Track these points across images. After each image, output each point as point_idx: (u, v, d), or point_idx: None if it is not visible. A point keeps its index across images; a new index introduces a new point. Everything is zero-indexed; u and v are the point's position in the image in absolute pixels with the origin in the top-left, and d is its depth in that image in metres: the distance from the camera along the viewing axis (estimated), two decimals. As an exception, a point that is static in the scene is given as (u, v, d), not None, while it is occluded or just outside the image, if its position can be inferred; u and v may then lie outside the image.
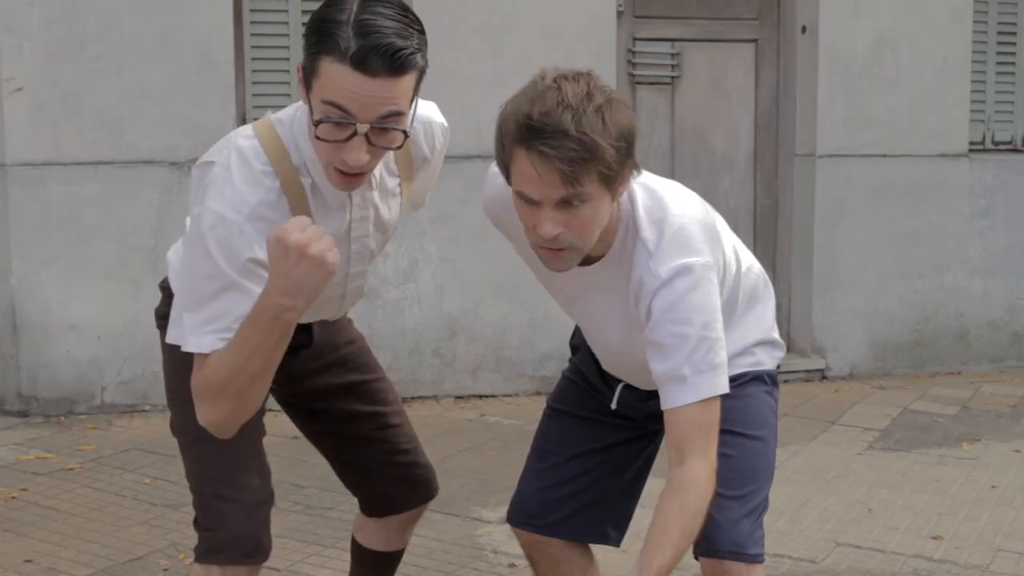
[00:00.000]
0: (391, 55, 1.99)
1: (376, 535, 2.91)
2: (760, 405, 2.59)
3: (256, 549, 2.40)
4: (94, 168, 5.70)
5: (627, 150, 2.08)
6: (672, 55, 6.76)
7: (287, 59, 6.00)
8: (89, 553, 4.06)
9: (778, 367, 2.68)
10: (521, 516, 2.72)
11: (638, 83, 6.71)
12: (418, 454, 2.93)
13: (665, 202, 2.28)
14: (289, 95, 6.06)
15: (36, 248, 5.70)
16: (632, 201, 2.26)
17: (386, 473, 2.83)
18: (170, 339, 2.25)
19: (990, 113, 7.59)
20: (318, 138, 2.03)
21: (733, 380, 2.40)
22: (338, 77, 1.97)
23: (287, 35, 6.12)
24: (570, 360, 2.91)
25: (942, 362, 7.34)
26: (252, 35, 6.04)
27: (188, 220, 2.25)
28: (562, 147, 1.99)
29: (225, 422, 2.13)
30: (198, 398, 2.12)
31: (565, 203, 2.06)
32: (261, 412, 2.43)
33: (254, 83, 6.04)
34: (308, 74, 2.03)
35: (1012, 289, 7.49)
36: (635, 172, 2.17)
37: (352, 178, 2.11)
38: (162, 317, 2.48)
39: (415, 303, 6.28)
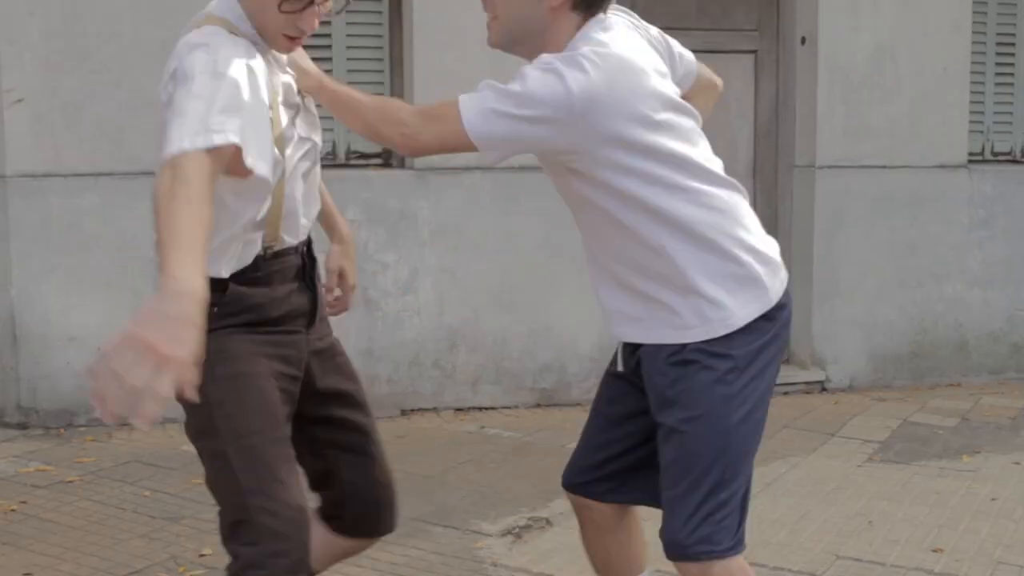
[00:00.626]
0: None
1: (323, 556, 2.76)
2: (693, 385, 2.53)
3: (299, 565, 2.40)
4: (94, 179, 5.70)
5: None
6: (672, 66, 6.76)
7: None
8: (88, 566, 4.05)
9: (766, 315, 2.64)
10: (567, 479, 2.92)
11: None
12: (394, 482, 2.91)
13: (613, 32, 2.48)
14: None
15: (36, 259, 5.70)
16: (586, 29, 2.49)
17: (367, 492, 2.81)
18: (166, 155, 2.13)
19: (989, 124, 7.60)
20: (282, 11, 2.40)
21: (669, 362, 2.54)
22: None
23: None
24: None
25: (942, 373, 7.34)
26: (252, 46, 6.04)
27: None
28: None
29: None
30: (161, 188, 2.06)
31: None
32: (288, 434, 2.52)
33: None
34: None
35: (1011, 300, 7.49)
36: None
37: (297, 42, 2.53)
38: None
39: (415, 314, 6.28)
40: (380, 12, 6.30)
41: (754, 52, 7.08)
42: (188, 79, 2.25)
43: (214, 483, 2.47)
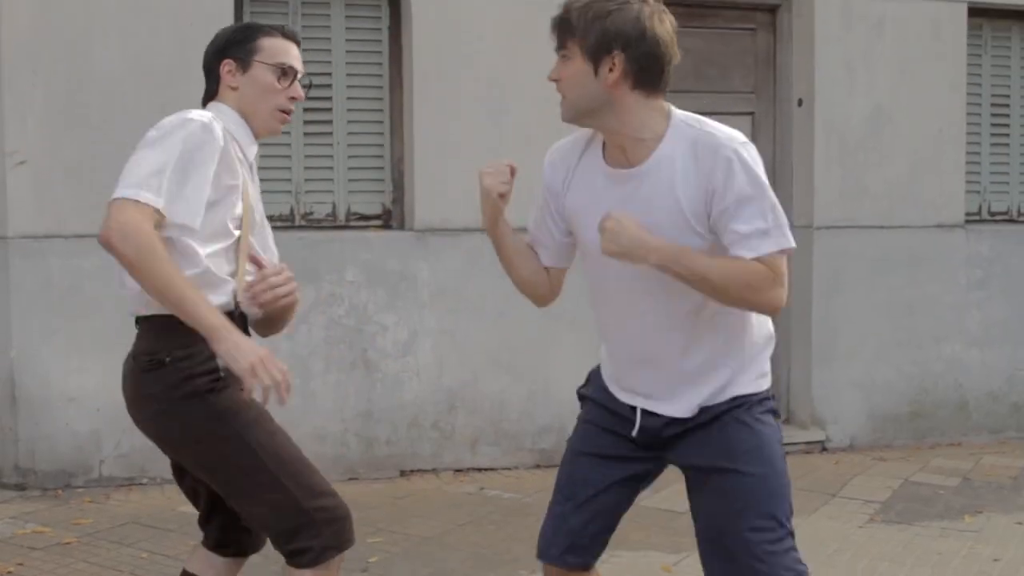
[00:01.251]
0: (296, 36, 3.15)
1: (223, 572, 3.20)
2: (764, 434, 2.82)
3: (351, 530, 3.02)
4: (94, 240, 5.68)
5: (606, 39, 2.64)
6: (669, 128, 6.81)
7: (288, 132, 6.06)
8: (85, 629, 4.02)
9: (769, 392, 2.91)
10: (548, 552, 2.96)
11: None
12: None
13: (713, 123, 2.72)
14: (289, 179, 6.11)
15: (36, 320, 5.71)
16: (683, 116, 2.73)
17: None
18: (115, 195, 2.76)
19: (986, 184, 7.65)
20: (279, 86, 3.03)
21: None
22: (279, 46, 3.05)
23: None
24: (583, 405, 3.08)
25: (942, 433, 7.32)
26: (253, 109, 6.09)
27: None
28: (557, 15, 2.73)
29: (116, 242, 2.73)
30: (114, 234, 2.71)
31: (560, 55, 2.73)
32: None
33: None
34: (248, 54, 3.01)
35: (1011, 360, 7.49)
36: (624, 65, 2.65)
37: (288, 116, 3.09)
38: (159, 361, 2.85)
39: (414, 376, 6.28)
40: (380, 76, 6.37)
41: (751, 114, 7.14)
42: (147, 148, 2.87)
43: (270, 507, 2.90)
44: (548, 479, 6.13)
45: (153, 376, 2.86)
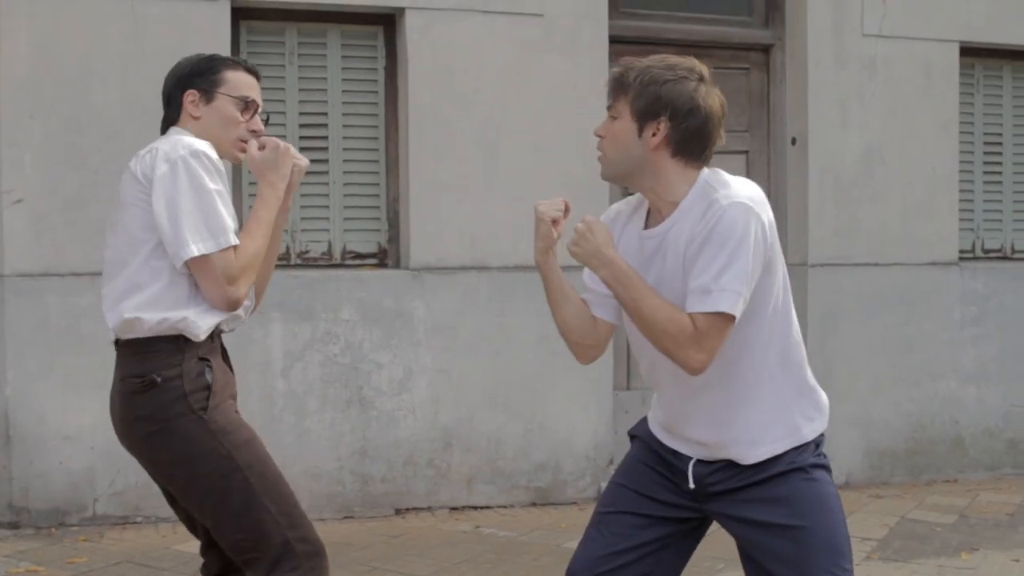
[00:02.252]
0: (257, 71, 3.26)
1: None
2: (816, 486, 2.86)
3: (327, 568, 3.00)
4: (91, 279, 5.73)
5: (656, 105, 2.74)
6: (664, 166, 6.85)
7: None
8: (78, 669, 3.99)
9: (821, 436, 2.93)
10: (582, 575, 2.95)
11: (630, 194, 6.79)
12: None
13: (735, 181, 2.78)
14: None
15: (32, 358, 5.71)
16: (707, 175, 2.79)
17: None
18: (197, 252, 2.86)
19: (979, 221, 7.69)
20: (242, 118, 3.12)
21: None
22: (242, 79, 3.15)
23: (285, 139, 6.21)
24: (632, 443, 3.11)
25: (938, 470, 7.32)
26: (250, 148, 6.12)
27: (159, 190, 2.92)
28: (614, 71, 2.84)
29: (246, 292, 2.97)
30: (239, 280, 2.92)
31: (609, 111, 2.83)
32: None
33: (251, 195, 6.11)
34: (212, 86, 3.12)
35: (1006, 396, 7.50)
36: (668, 132, 2.74)
37: (247, 147, 3.14)
38: (151, 381, 2.90)
39: (409, 414, 6.28)
40: (376, 115, 6.40)
41: (745, 152, 7.18)
42: (186, 191, 2.93)
43: (253, 532, 2.90)
44: (544, 517, 6.15)
45: (145, 397, 2.89)
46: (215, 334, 3.00)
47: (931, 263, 7.30)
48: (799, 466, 2.82)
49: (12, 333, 5.69)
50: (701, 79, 2.79)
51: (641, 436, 3.06)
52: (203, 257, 2.88)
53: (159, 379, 2.87)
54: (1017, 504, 6.64)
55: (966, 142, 7.55)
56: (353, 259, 6.38)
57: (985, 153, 7.68)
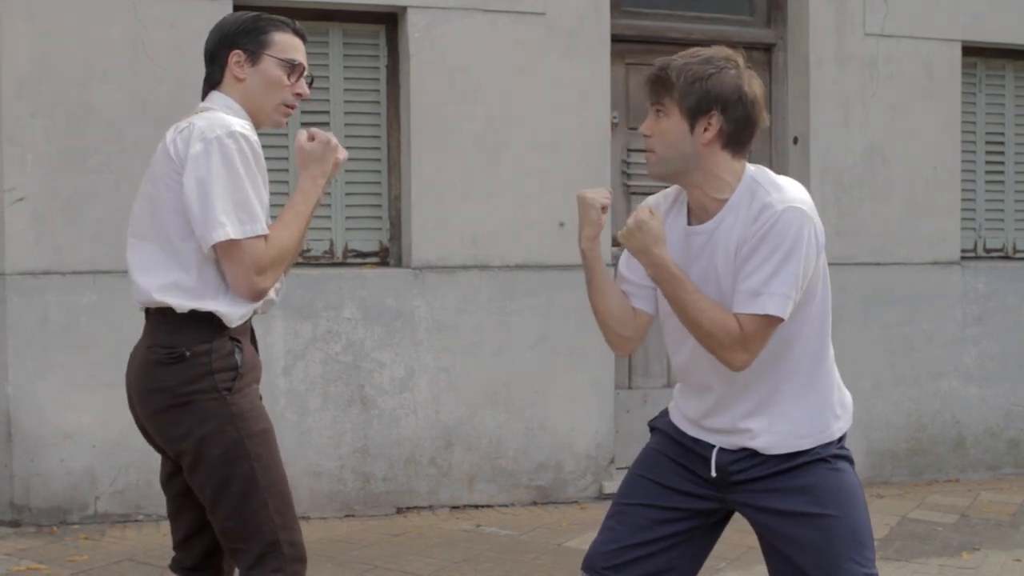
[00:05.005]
0: (302, 31, 3.14)
1: None
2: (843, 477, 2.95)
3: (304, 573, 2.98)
4: (92, 277, 5.74)
5: (707, 100, 2.76)
6: (666, 165, 6.85)
7: (286, 170, 6.08)
8: (79, 668, 3.99)
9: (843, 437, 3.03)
10: (598, 562, 2.96)
11: (633, 193, 6.80)
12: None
13: (785, 182, 2.82)
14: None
15: (33, 357, 5.71)
16: (755, 172, 2.83)
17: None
18: (225, 236, 2.79)
19: (981, 221, 7.68)
20: (289, 81, 3.03)
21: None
22: (289, 42, 3.04)
23: (286, 146, 6.21)
24: (653, 435, 3.12)
25: (939, 470, 7.32)
26: (252, 147, 6.12)
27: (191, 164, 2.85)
28: (653, 70, 2.84)
29: (272, 284, 2.93)
30: (268, 271, 2.87)
31: (655, 110, 2.83)
32: None
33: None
34: (259, 47, 3.00)
35: (1008, 396, 7.50)
36: (721, 125, 2.77)
37: (292, 111, 3.10)
38: (179, 355, 2.87)
39: (411, 412, 6.28)
40: (378, 114, 6.40)
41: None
42: (221, 174, 2.84)
43: (247, 523, 2.89)
44: (545, 516, 6.15)
45: (171, 370, 2.86)
46: (245, 324, 2.97)
47: (933, 262, 7.30)
48: (822, 456, 2.87)
49: (13, 332, 5.69)
50: (738, 66, 2.85)
51: (662, 427, 3.06)
52: (231, 242, 2.82)
53: (188, 353, 2.84)
54: (1018, 504, 6.64)
55: (968, 141, 7.54)
56: (355, 257, 6.38)
57: (987, 152, 7.68)
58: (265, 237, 2.86)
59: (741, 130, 2.81)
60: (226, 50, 3.02)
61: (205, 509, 2.99)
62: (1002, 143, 7.72)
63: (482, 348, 6.38)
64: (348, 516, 6.15)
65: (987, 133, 7.67)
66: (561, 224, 6.30)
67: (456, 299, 6.34)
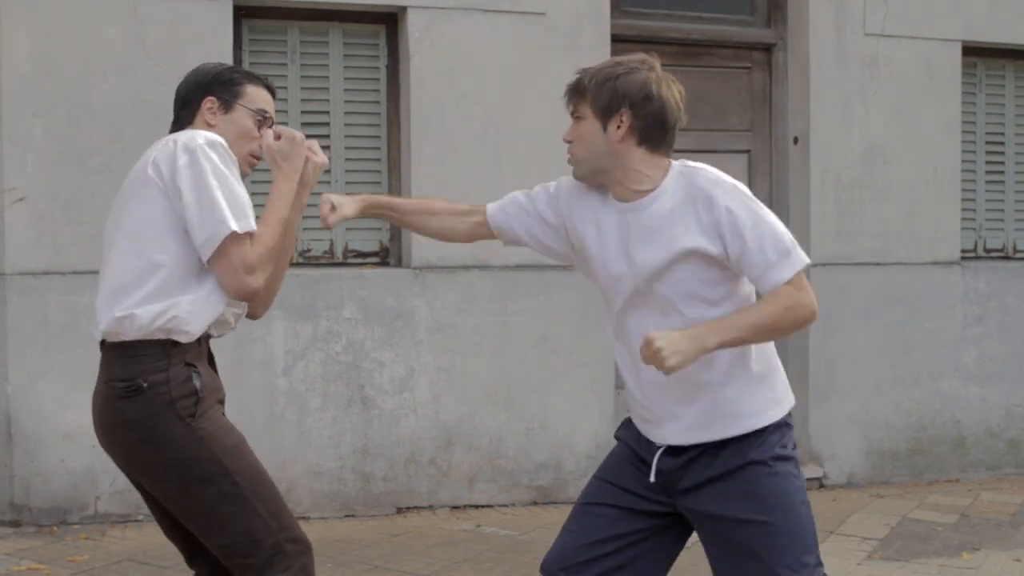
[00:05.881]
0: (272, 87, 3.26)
1: None
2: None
3: (313, 567, 3.00)
4: (92, 277, 5.68)
5: (615, 99, 2.88)
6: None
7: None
8: (79, 667, 3.99)
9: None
10: (553, 565, 3.01)
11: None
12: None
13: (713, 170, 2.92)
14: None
15: (33, 357, 5.71)
16: (680, 163, 2.94)
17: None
18: (235, 228, 2.85)
19: (981, 221, 7.68)
20: (259, 133, 3.13)
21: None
22: (261, 95, 3.17)
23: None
24: (617, 444, 3.16)
25: (939, 470, 7.32)
26: (252, 147, 6.12)
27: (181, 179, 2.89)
28: (570, 80, 3.03)
29: (263, 283, 2.96)
30: (257, 271, 2.91)
31: (574, 118, 3.01)
32: None
33: (252, 194, 6.10)
34: (233, 96, 3.12)
35: (1008, 396, 7.50)
36: (631, 121, 2.87)
37: (256, 163, 3.18)
38: (137, 387, 2.85)
39: (411, 412, 6.28)
40: (378, 114, 6.40)
41: (747, 152, 7.18)
42: (203, 178, 2.89)
43: (244, 537, 2.90)
44: (545, 516, 6.15)
45: (131, 403, 2.85)
46: (202, 339, 2.97)
47: (933, 262, 7.30)
48: (761, 460, 2.86)
49: (13, 331, 5.69)
50: (652, 68, 2.92)
51: (622, 436, 3.12)
52: (229, 240, 2.85)
53: (145, 384, 2.84)
54: (1019, 504, 6.64)
55: (968, 141, 7.55)
56: (355, 257, 6.38)
57: (987, 152, 7.68)
58: (251, 236, 2.92)
59: (653, 127, 2.89)
60: (200, 96, 3.13)
61: (198, 536, 3.01)
62: (1002, 143, 7.72)
63: (482, 348, 6.38)
64: (348, 516, 6.15)
65: (987, 133, 7.67)
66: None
67: (456, 299, 6.34)
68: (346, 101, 6.36)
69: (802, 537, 2.83)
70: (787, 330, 2.83)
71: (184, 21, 5.87)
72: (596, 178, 3.00)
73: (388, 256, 6.44)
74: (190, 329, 2.89)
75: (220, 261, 2.88)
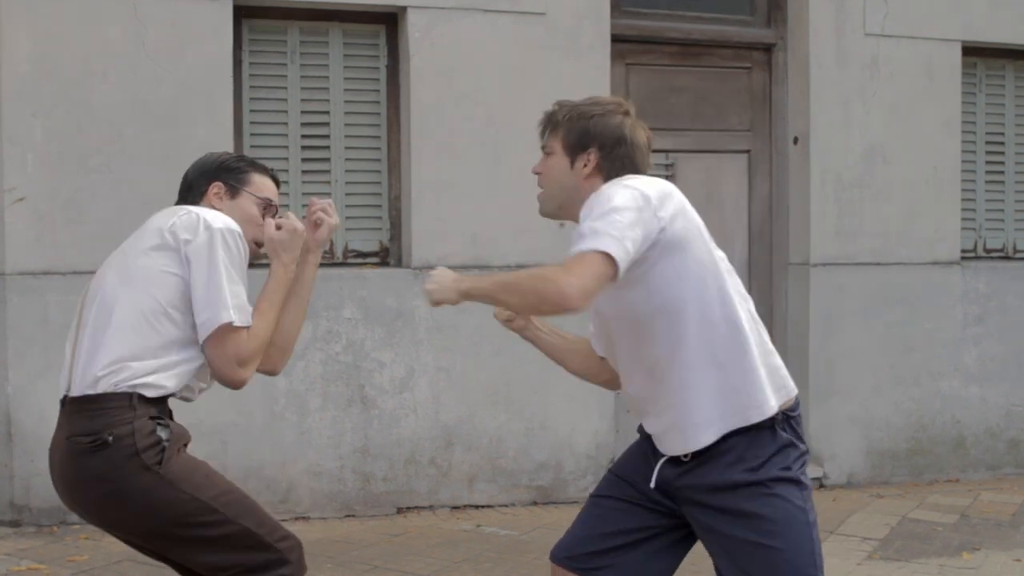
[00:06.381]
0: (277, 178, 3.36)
1: None
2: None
3: (303, 556, 3.05)
4: (92, 277, 5.72)
5: (585, 138, 2.90)
6: (666, 166, 6.86)
7: (286, 170, 6.09)
8: (79, 668, 3.99)
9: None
10: (561, 553, 3.04)
11: (632, 193, 6.79)
12: None
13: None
14: (288, 205, 6.14)
15: (33, 357, 5.71)
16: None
17: None
18: (230, 319, 2.90)
19: (981, 221, 7.68)
20: (259, 223, 3.18)
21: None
22: (266, 184, 3.26)
23: (286, 147, 6.22)
24: (639, 436, 3.14)
25: (939, 469, 7.32)
26: (252, 147, 6.13)
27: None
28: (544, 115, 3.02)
29: (250, 376, 3.02)
30: (248, 364, 2.98)
31: (544, 152, 2.99)
32: None
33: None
34: (239, 183, 3.20)
35: (1008, 396, 7.50)
36: (598, 161, 2.88)
37: (259, 250, 3.20)
38: (102, 441, 2.84)
39: (411, 412, 6.28)
40: (378, 114, 6.40)
41: (747, 152, 7.18)
42: (212, 267, 2.95)
43: (240, 555, 2.92)
44: (545, 516, 6.15)
45: (97, 458, 2.83)
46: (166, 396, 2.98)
47: (933, 262, 7.30)
48: (762, 479, 2.81)
49: (13, 331, 5.69)
50: (627, 113, 2.94)
51: (641, 431, 3.10)
52: (225, 328, 2.90)
53: (111, 438, 2.82)
54: (1019, 504, 6.64)
55: (968, 141, 7.54)
56: (355, 258, 6.38)
57: (987, 152, 7.68)
58: (247, 329, 2.98)
59: (620, 169, 2.88)
60: (207, 182, 3.18)
61: (183, 564, 3.01)
62: (1002, 143, 7.72)
63: (482, 348, 6.38)
64: (348, 516, 6.15)
65: (987, 133, 7.67)
66: (561, 224, 6.28)
67: (456, 299, 6.33)
68: (346, 101, 6.36)
69: (802, 563, 2.79)
70: (530, 300, 2.68)
71: (184, 21, 5.87)
72: (560, 214, 2.99)
73: (388, 256, 6.44)
74: (167, 385, 2.92)
75: (215, 347, 2.93)
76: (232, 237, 2.96)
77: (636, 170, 2.89)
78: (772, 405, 2.88)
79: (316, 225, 3.26)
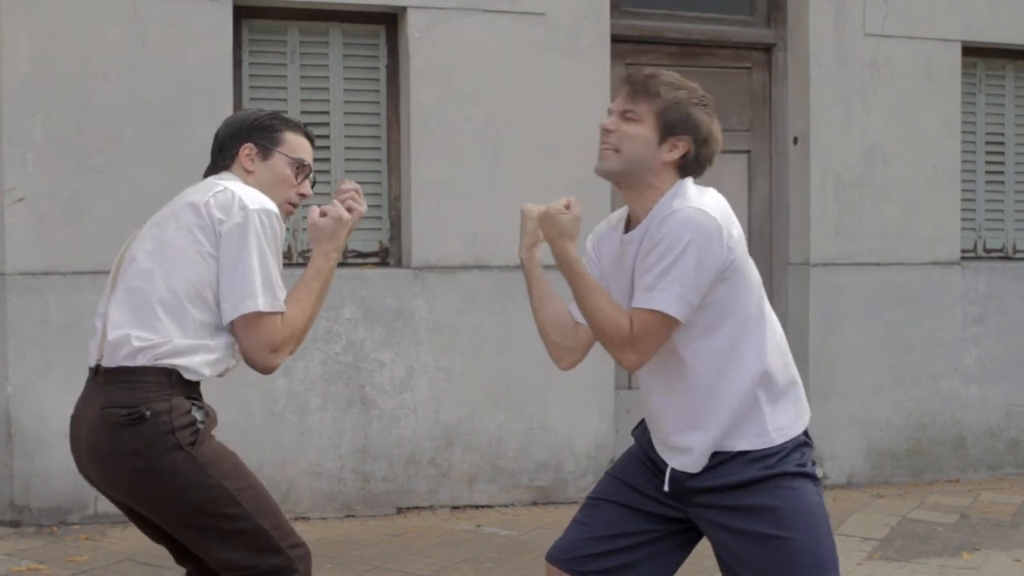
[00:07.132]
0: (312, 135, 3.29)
1: None
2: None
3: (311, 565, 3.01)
4: (92, 277, 5.73)
5: (684, 124, 2.81)
6: (666, 165, 6.86)
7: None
8: (79, 668, 3.99)
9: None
10: (559, 555, 3.01)
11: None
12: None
13: (699, 191, 2.84)
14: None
15: (33, 357, 5.71)
16: (679, 185, 2.84)
17: None
18: (260, 307, 2.84)
19: (981, 221, 7.68)
20: (296, 182, 3.17)
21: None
22: (300, 143, 3.19)
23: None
24: (634, 443, 3.15)
25: (939, 470, 7.31)
26: (252, 147, 6.12)
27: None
28: (635, 76, 2.89)
29: (282, 362, 2.96)
30: (281, 350, 2.91)
31: (624, 113, 2.85)
32: None
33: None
34: (272, 144, 3.12)
35: (1008, 396, 7.49)
36: (687, 151, 2.82)
37: (294, 210, 3.21)
38: (139, 415, 2.81)
39: (411, 412, 6.28)
40: (378, 115, 6.40)
41: (747, 152, 7.18)
42: (246, 251, 2.89)
43: (254, 553, 2.89)
44: (545, 516, 6.15)
45: (132, 431, 2.80)
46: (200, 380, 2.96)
47: (933, 263, 7.30)
48: (777, 473, 2.80)
49: (13, 331, 5.69)
50: (714, 112, 2.90)
51: (637, 436, 3.11)
52: (255, 315, 2.85)
53: (148, 413, 2.79)
54: (1019, 504, 6.64)
55: (968, 141, 7.54)
56: (355, 258, 6.38)
57: (987, 153, 7.68)
58: (282, 315, 2.91)
59: (698, 168, 2.87)
60: (238, 143, 3.11)
61: (197, 553, 2.99)
62: (1002, 143, 7.72)
63: (482, 348, 6.38)
64: (348, 516, 6.15)
65: (987, 133, 7.67)
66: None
67: (456, 299, 6.34)
68: (346, 101, 6.36)
69: (824, 558, 2.78)
70: (596, 327, 2.80)
71: (184, 21, 5.87)
72: (623, 179, 2.88)
73: (388, 256, 6.44)
74: (204, 372, 2.90)
75: (248, 333, 2.88)
76: (268, 217, 2.90)
77: (710, 165, 2.89)
78: (797, 428, 2.89)
79: (347, 211, 3.20)
